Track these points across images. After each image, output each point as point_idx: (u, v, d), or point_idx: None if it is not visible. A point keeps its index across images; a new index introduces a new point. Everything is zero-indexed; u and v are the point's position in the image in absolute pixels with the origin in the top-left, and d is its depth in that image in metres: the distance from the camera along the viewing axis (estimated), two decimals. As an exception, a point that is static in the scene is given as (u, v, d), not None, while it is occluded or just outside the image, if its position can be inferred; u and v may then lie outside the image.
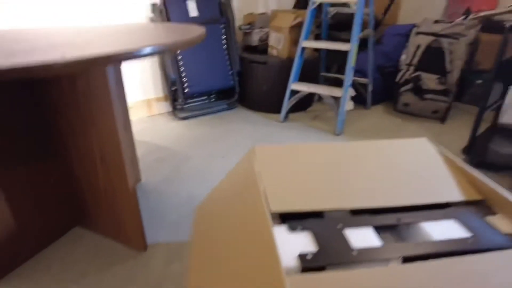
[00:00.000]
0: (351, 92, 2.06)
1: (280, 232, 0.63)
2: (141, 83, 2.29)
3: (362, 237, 0.62)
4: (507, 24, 1.42)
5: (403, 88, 2.35)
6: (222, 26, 2.38)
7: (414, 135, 2.10)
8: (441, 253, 0.58)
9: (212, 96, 2.53)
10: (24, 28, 1.30)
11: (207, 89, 2.35)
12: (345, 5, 2.40)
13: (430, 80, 2.25)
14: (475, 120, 1.64)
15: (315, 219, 0.67)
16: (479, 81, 2.47)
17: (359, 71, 2.51)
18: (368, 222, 0.66)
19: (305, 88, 2.14)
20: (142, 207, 1.37)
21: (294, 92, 2.24)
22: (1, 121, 0.91)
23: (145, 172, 1.65)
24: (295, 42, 2.29)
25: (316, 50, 2.55)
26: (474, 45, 2.35)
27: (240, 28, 2.57)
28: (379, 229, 0.67)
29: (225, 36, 2.40)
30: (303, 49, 2.14)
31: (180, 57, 2.23)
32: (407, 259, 0.57)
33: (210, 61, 2.36)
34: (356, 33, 1.94)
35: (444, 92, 2.22)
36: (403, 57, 2.39)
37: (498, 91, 1.93)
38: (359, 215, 0.69)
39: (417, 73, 2.30)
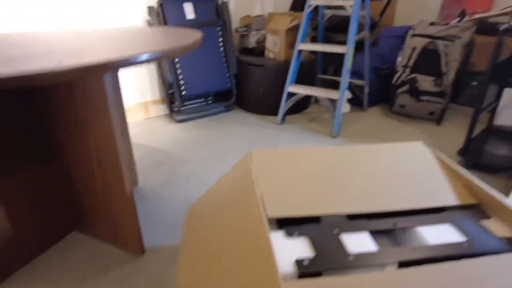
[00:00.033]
0: (348, 94, 2.07)
1: (277, 238, 0.64)
2: (138, 86, 2.29)
3: (358, 242, 0.63)
4: (501, 28, 1.43)
5: (399, 90, 2.36)
6: (219, 28, 2.39)
7: (410, 136, 2.11)
8: (437, 258, 0.59)
9: (210, 98, 2.54)
10: (22, 31, 1.30)
11: (204, 92, 2.36)
12: (341, 7, 2.41)
13: (426, 82, 2.27)
14: (471, 122, 1.65)
15: (312, 224, 0.67)
16: (475, 83, 2.49)
17: (355, 73, 2.52)
18: (364, 227, 0.67)
19: (302, 90, 2.15)
20: (139, 211, 1.37)
21: (291, 95, 2.25)
22: (-3, 126, 0.91)
23: (142, 175, 1.65)
24: (291, 44, 2.29)
25: (313, 52, 2.56)
26: (469, 47, 2.37)
27: (236, 31, 2.57)
28: (375, 233, 0.68)
29: (222, 39, 2.40)
30: (300, 51, 2.15)
31: (177, 59, 2.23)
32: (403, 264, 0.58)
33: (207, 64, 2.36)
34: (352, 36, 1.95)
35: (440, 94, 2.24)
36: (399, 59, 2.41)
37: (493, 93, 1.95)
38: (356, 220, 0.70)
39: (413, 75, 2.31)
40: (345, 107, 2.07)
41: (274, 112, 2.36)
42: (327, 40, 2.59)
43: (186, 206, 1.41)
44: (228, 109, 2.54)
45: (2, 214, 0.97)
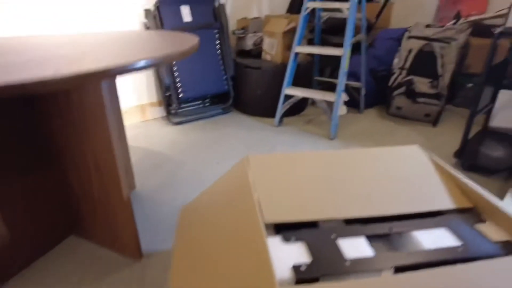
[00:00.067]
0: (344, 97, 2.08)
1: (274, 243, 0.64)
2: (134, 88, 2.29)
3: (355, 247, 0.63)
4: (496, 31, 1.44)
5: (396, 92, 2.37)
6: (216, 31, 2.39)
7: (407, 138, 2.12)
8: (432, 263, 0.60)
9: (207, 100, 2.54)
10: (18, 33, 1.30)
11: (201, 94, 2.36)
12: (337, 10, 2.43)
13: (422, 84, 2.28)
14: (466, 124, 1.66)
15: (309, 229, 0.68)
16: (470, 85, 2.51)
17: (352, 75, 2.53)
18: (361, 232, 0.68)
19: (299, 93, 2.16)
20: (137, 215, 1.37)
21: (288, 97, 2.25)
22: (-6, 132, 0.90)
23: (140, 178, 1.65)
24: (288, 47, 2.30)
25: (310, 54, 2.57)
26: (464, 49, 2.38)
27: (234, 33, 2.58)
28: (372, 238, 0.68)
29: (219, 41, 2.41)
30: (297, 54, 2.16)
31: (174, 62, 2.23)
32: (399, 269, 0.58)
33: (204, 66, 2.36)
34: (348, 38, 1.96)
35: (436, 96, 2.25)
36: (395, 61, 2.42)
37: (489, 95, 1.96)
38: (352, 224, 0.70)
39: (410, 77, 2.32)
40: (342, 109, 2.07)
41: (272, 114, 2.37)
42: (324, 42, 2.60)
43: (183, 209, 1.41)
44: (225, 111, 2.54)
45: (-1, 219, 0.96)
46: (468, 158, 1.69)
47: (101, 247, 1.19)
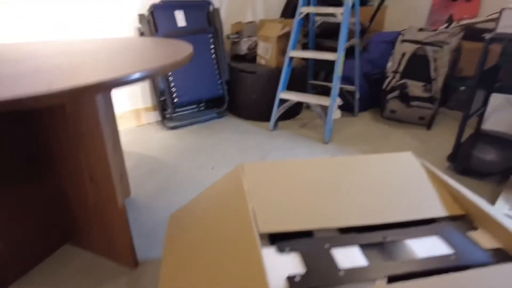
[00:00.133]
0: (339, 101, 2.09)
1: (269, 254, 0.64)
2: (129, 93, 2.29)
3: (348, 256, 0.64)
4: (487, 37, 1.46)
5: (389, 96, 2.39)
6: (210, 35, 2.39)
7: (401, 141, 2.13)
8: (425, 271, 0.60)
9: (202, 105, 2.54)
10: (13, 42, 1.29)
11: (196, 99, 2.36)
12: (331, 14, 2.44)
13: (415, 87, 2.30)
14: (459, 128, 1.68)
15: (304, 239, 0.68)
16: (463, 88, 2.53)
17: (346, 79, 2.54)
18: (355, 241, 0.68)
19: (293, 97, 2.17)
20: (132, 222, 1.37)
21: (283, 101, 2.26)
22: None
23: (135, 184, 1.64)
24: (283, 51, 2.31)
25: (304, 58, 2.58)
26: (457, 53, 2.41)
27: (228, 37, 2.58)
28: (366, 246, 0.69)
29: (213, 46, 2.41)
30: (291, 58, 2.17)
31: (168, 67, 2.23)
32: (392, 279, 0.59)
33: (199, 71, 2.36)
34: (342, 43, 1.98)
35: (429, 99, 2.27)
36: (389, 64, 2.44)
37: (481, 98, 1.99)
38: (347, 233, 0.71)
39: (403, 80, 2.34)
40: (336, 114, 2.08)
41: (267, 118, 2.37)
42: (318, 46, 2.61)
43: (179, 216, 1.40)
44: (220, 115, 2.54)
45: (-8, 229, 0.96)
46: (461, 162, 1.71)
47: (96, 255, 1.18)
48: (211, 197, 0.92)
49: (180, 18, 2.27)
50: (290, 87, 2.28)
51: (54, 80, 0.60)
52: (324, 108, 2.23)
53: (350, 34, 2.35)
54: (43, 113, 0.95)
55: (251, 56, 2.51)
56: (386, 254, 0.68)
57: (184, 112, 2.44)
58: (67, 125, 0.90)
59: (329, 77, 2.81)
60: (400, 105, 2.37)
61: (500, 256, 0.64)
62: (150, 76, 0.68)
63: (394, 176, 0.86)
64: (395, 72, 2.38)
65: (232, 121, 2.46)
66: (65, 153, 0.98)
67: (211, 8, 2.40)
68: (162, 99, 2.31)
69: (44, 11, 1.82)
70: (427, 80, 2.27)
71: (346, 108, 2.59)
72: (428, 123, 2.33)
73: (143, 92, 2.35)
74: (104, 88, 0.58)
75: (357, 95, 2.47)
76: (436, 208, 0.77)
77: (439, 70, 2.23)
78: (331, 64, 2.44)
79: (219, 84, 2.45)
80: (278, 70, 2.28)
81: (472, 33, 2.47)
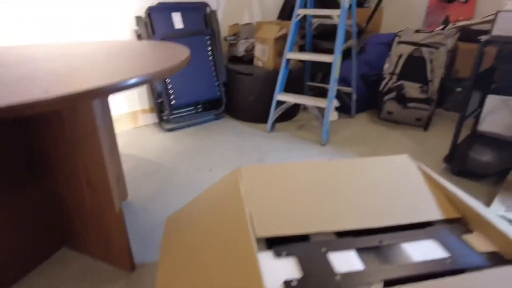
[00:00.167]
0: (335, 103, 2.10)
1: (265, 258, 0.65)
2: (126, 95, 2.28)
3: (345, 260, 0.64)
4: (482, 39, 1.47)
5: (386, 97, 2.40)
6: (207, 37, 2.39)
7: (398, 142, 2.14)
8: (421, 275, 0.61)
9: (199, 106, 2.54)
10: (12, 45, 1.29)
11: (193, 101, 2.36)
12: (328, 16, 2.45)
13: (412, 89, 2.31)
14: (456, 129, 1.69)
15: (300, 243, 0.68)
16: (459, 89, 2.55)
17: (343, 80, 2.55)
18: (351, 244, 0.68)
19: (290, 99, 2.17)
20: (129, 225, 1.37)
21: (280, 103, 2.26)
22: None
23: (132, 187, 1.64)
24: (280, 53, 2.32)
25: (301, 60, 2.59)
26: (453, 54, 2.42)
27: (225, 39, 2.59)
28: (362, 250, 0.69)
29: (210, 47, 2.41)
30: (288, 60, 2.17)
31: (165, 69, 2.22)
32: (388, 283, 0.59)
33: (196, 73, 2.36)
34: (339, 46, 1.98)
35: (426, 101, 2.28)
36: (386, 66, 2.45)
37: (477, 100, 2.00)
38: (343, 237, 0.71)
39: (400, 82, 2.35)
40: (333, 115, 2.09)
41: (264, 120, 2.38)
42: (315, 47, 2.62)
43: (176, 218, 1.40)
44: (218, 117, 2.55)
45: (-12, 234, 0.95)
46: (458, 163, 1.72)
47: (93, 259, 1.18)
48: (208, 200, 0.92)
49: (177, 20, 2.27)
50: (287, 88, 2.28)
51: (50, 86, 0.60)
52: (321, 110, 2.24)
53: (347, 36, 2.36)
54: (39, 118, 0.95)
55: (248, 58, 2.52)
56: (382, 258, 0.69)
57: (181, 114, 2.44)
58: (63, 130, 0.90)
59: (326, 79, 2.82)
60: (397, 107, 2.38)
61: (495, 259, 0.64)
62: (147, 82, 0.68)
63: (390, 180, 0.87)
64: (392, 73, 2.39)
65: (230, 123, 2.46)
66: (62, 157, 0.98)
67: (208, 10, 2.40)
68: (159, 101, 2.31)
69: (43, 11, 1.81)
70: (424, 81, 2.28)
71: (343, 109, 2.60)
72: (425, 124, 2.34)
73: (140, 94, 2.35)
74: (101, 94, 0.58)
75: (354, 97, 2.48)
76: (432, 211, 0.77)
77: (436, 71, 2.24)
78: (328, 65, 2.45)
79: (217, 86, 2.45)
80: (275, 72, 2.28)
81: (468, 34, 2.49)
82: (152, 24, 2.17)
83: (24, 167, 1.01)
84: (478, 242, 0.69)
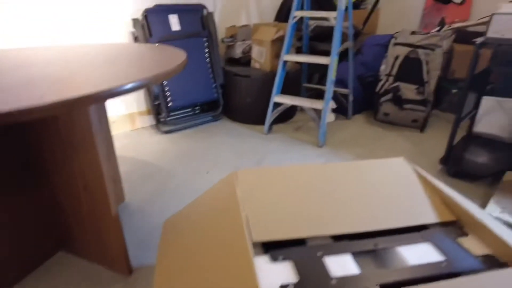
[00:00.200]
0: (332, 104, 2.10)
1: (262, 263, 0.65)
2: (123, 98, 2.28)
3: (341, 264, 0.64)
4: (477, 42, 1.48)
5: (383, 98, 2.41)
6: (204, 39, 2.40)
7: (395, 144, 2.15)
8: (417, 279, 0.61)
9: (197, 108, 2.54)
10: (11, 48, 1.29)
11: (190, 103, 2.36)
12: (325, 18, 2.46)
13: (408, 90, 2.32)
14: (451, 131, 1.70)
15: (297, 247, 0.69)
16: (455, 90, 2.56)
17: (339, 82, 2.56)
18: (347, 248, 0.69)
19: (288, 100, 2.17)
20: (126, 228, 1.37)
21: (277, 105, 2.27)
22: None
23: (129, 190, 1.64)
24: (277, 55, 2.32)
25: (298, 62, 2.59)
26: (449, 55, 2.43)
27: (222, 41, 2.59)
28: (359, 254, 0.69)
29: (207, 49, 2.41)
30: (285, 62, 2.18)
31: (162, 71, 2.22)
32: (384, 287, 0.60)
33: (193, 75, 2.36)
34: (335, 48, 1.99)
35: (422, 102, 2.29)
36: (382, 67, 2.46)
37: (473, 101, 2.01)
38: (339, 241, 0.71)
39: (396, 83, 2.36)
40: (330, 117, 2.10)
41: (261, 122, 2.38)
42: (312, 49, 2.63)
43: (173, 221, 1.40)
44: (215, 119, 2.55)
45: (-15, 238, 0.95)
46: (453, 164, 1.73)
47: (90, 263, 1.18)
48: (205, 204, 0.92)
49: (174, 22, 2.27)
50: (284, 90, 2.29)
51: (47, 91, 0.60)
52: (318, 111, 2.25)
53: (344, 37, 2.37)
54: (36, 123, 0.95)
55: (245, 60, 2.52)
56: (378, 262, 0.69)
57: (178, 116, 2.44)
58: (60, 135, 0.90)
59: (323, 80, 2.83)
60: (393, 108, 2.39)
61: (490, 262, 0.65)
62: (143, 86, 0.68)
63: (386, 183, 0.87)
64: (388, 75, 2.40)
65: (227, 125, 2.46)
66: (59, 162, 0.98)
67: (205, 12, 2.40)
68: (156, 103, 2.31)
69: (41, 12, 1.81)
70: (420, 83, 2.29)
71: (340, 111, 2.61)
72: (421, 126, 2.35)
73: (137, 96, 2.35)
74: (97, 99, 0.58)
75: (351, 98, 2.49)
76: (427, 215, 0.78)
77: (432, 72, 2.26)
78: (325, 67, 2.45)
79: (214, 88, 2.45)
80: (272, 73, 2.29)
81: (463, 36, 2.50)
82: (149, 26, 2.17)
83: (21, 172, 1.01)
84: (473, 245, 0.69)
